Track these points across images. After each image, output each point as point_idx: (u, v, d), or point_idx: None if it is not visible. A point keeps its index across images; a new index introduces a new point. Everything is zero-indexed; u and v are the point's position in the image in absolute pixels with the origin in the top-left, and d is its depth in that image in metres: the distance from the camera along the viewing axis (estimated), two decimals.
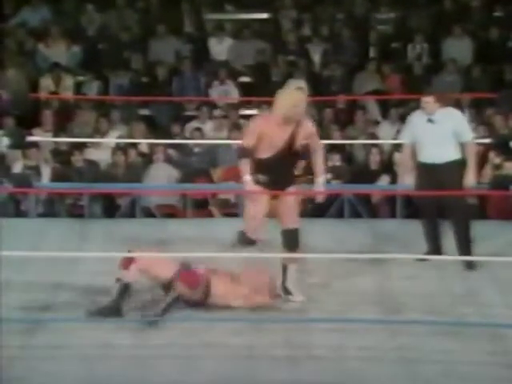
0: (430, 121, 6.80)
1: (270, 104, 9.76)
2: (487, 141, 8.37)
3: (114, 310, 5.87)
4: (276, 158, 5.94)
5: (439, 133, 6.73)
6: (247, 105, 10.47)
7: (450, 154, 6.76)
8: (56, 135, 9.58)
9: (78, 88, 10.85)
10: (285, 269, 6.07)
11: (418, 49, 11.04)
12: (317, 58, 11.30)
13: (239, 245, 6.03)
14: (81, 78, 10.96)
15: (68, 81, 10.81)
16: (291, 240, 6.03)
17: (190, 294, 5.92)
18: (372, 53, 11.29)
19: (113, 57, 11.24)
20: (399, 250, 6.95)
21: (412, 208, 8.26)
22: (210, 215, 8.99)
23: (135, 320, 5.71)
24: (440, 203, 6.80)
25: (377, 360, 5.24)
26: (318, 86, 10.54)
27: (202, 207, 9.04)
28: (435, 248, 6.88)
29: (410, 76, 10.75)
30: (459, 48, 11.02)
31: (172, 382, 4.99)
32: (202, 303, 5.98)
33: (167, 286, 5.89)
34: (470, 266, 6.67)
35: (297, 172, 9.16)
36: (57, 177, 9.08)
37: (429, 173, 6.73)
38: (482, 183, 8.43)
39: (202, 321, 5.80)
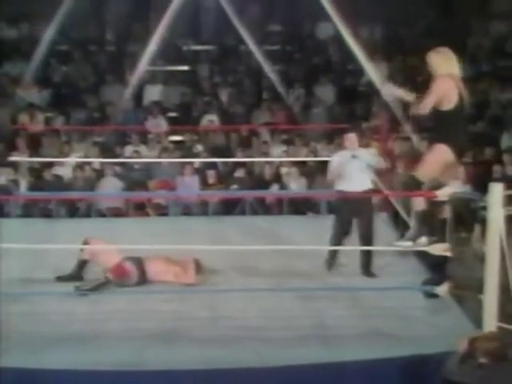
0: (353, 156, 6.20)
1: (191, 132, 9.93)
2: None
3: (74, 277, 5.88)
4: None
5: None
6: (174, 133, 10.41)
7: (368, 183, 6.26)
8: (30, 156, 9.36)
9: (47, 121, 10.61)
10: None
11: (296, 93, 11.15)
12: (225, 98, 11.29)
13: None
14: (49, 114, 10.70)
15: (39, 116, 10.53)
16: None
17: (123, 280, 5.85)
18: (265, 95, 11.34)
19: (73, 98, 11.01)
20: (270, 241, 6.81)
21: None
22: (147, 215, 8.90)
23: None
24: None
25: (270, 316, 5.26)
26: (225, 119, 10.57)
27: (140, 209, 8.94)
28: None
29: (292, 112, 10.85)
30: (325, 92, 11.19)
31: (119, 337, 4.92)
32: (142, 282, 5.92)
33: (104, 272, 5.86)
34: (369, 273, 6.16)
35: (211, 181, 9.24)
36: (31, 187, 8.88)
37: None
38: None
39: (141, 293, 5.74)
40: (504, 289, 4.49)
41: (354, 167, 6.16)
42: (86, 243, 5.89)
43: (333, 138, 9.57)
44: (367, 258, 6.19)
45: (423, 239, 4.93)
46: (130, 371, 4.49)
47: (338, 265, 6.21)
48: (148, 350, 4.71)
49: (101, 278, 5.82)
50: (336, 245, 6.17)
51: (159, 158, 9.50)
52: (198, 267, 6.06)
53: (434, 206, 4.99)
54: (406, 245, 5.01)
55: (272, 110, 10.87)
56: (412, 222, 5.07)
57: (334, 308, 5.37)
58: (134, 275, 5.89)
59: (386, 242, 5.85)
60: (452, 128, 4.79)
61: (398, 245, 5.13)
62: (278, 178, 9.16)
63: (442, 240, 5.03)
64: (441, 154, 4.82)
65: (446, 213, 5.12)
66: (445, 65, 4.85)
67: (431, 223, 4.96)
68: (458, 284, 5.08)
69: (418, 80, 11.00)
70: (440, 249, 4.86)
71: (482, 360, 3.77)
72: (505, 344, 3.84)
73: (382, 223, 6.86)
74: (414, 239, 4.98)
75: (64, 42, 11.63)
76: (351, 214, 6.18)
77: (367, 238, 6.19)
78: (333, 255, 6.22)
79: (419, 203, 4.94)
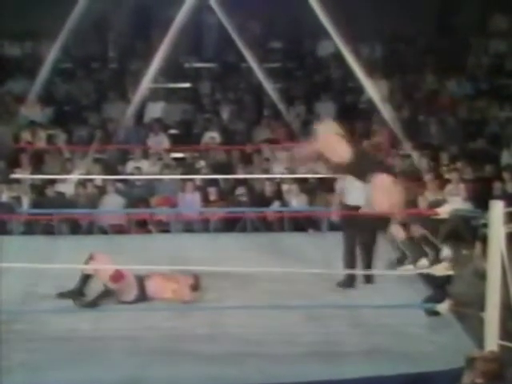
0: None
1: (193, 150, 9.95)
2: None
3: (77, 293, 5.85)
4: None
5: None
6: (175, 150, 10.42)
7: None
8: (33, 173, 9.37)
9: (50, 139, 10.62)
10: None
11: (297, 110, 11.16)
12: (225, 115, 11.31)
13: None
14: (51, 132, 10.71)
15: (42, 134, 10.54)
16: None
17: (122, 287, 5.81)
18: (265, 112, 11.36)
19: (75, 115, 11.04)
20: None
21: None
22: (149, 232, 8.88)
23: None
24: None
25: (270, 333, 5.24)
26: (226, 137, 10.59)
27: (142, 226, 8.93)
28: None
29: (292, 129, 10.86)
30: (325, 109, 11.19)
31: (121, 354, 4.92)
32: (142, 299, 5.90)
33: (105, 284, 5.84)
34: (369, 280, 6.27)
35: (212, 198, 9.24)
36: (34, 204, 8.86)
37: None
38: None
39: (142, 310, 5.72)
40: (505, 306, 4.47)
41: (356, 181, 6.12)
42: (91, 258, 5.88)
43: None
44: (367, 264, 6.23)
45: (423, 261, 4.96)
46: None
47: (357, 284, 6.19)
48: (150, 367, 4.70)
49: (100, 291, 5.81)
50: (349, 262, 6.19)
51: (161, 174, 9.51)
52: (197, 284, 6.05)
53: (405, 227, 5.06)
54: (408, 268, 5.04)
55: (273, 127, 10.87)
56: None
57: (336, 325, 5.37)
58: (132, 287, 5.85)
59: (387, 258, 5.84)
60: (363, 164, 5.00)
61: (400, 270, 5.15)
62: (279, 194, 9.16)
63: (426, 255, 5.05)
64: (380, 183, 4.97)
65: (416, 231, 5.21)
66: (326, 130, 5.10)
67: (418, 246, 5.02)
68: (459, 301, 5.07)
69: (417, 97, 11.09)
70: (442, 269, 4.88)
71: (478, 380, 3.72)
72: (503, 365, 3.81)
73: (382, 241, 6.87)
74: (413, 263, 5.01)
75: (66, 59, 11.68)
76: (354, 227, 6.20)
77: (368, 248, 6.22)
78: (350, 276, 6.19)
79: (398, 233, 5.02)
